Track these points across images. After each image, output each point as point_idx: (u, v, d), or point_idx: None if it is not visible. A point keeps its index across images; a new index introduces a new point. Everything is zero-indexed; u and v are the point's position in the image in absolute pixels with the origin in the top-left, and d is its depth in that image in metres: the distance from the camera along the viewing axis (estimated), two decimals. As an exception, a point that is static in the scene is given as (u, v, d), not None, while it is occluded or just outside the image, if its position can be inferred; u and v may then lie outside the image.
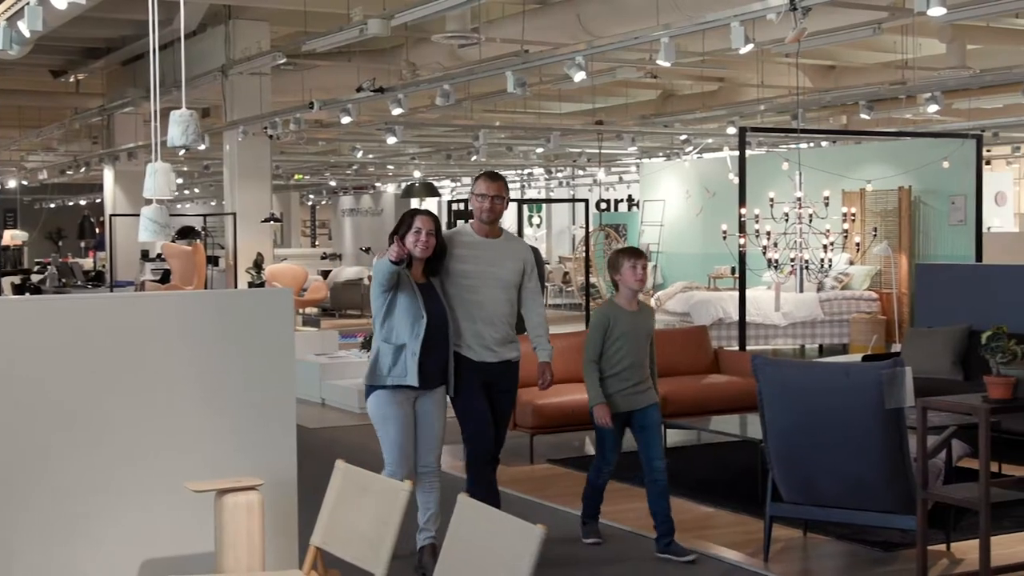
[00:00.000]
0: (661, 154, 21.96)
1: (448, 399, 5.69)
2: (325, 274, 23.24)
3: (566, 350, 9.25)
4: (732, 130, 15.69)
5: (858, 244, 11.45)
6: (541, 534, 3.18)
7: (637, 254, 6.02)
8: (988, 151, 18.31)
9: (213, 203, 31.65)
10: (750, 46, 8.06)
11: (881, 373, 5.24)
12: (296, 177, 28.37)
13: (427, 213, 5.58)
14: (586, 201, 13.92)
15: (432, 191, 13.72)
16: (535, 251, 6.41)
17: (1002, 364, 5.04)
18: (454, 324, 5.60)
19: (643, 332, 5.97)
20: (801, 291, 13.06)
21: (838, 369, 5.87)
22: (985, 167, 13.76)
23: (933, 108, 12.36)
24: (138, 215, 4.97)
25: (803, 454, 5.48)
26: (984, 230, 12.02)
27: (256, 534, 4.15)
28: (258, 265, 15.38)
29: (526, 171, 28.21)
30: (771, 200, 11.01)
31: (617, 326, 5.89)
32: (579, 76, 9.89)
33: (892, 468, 5.30)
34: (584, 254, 13.25)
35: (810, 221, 10.66)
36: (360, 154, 20.36)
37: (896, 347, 12.03)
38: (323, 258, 25.87)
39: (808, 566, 5.85)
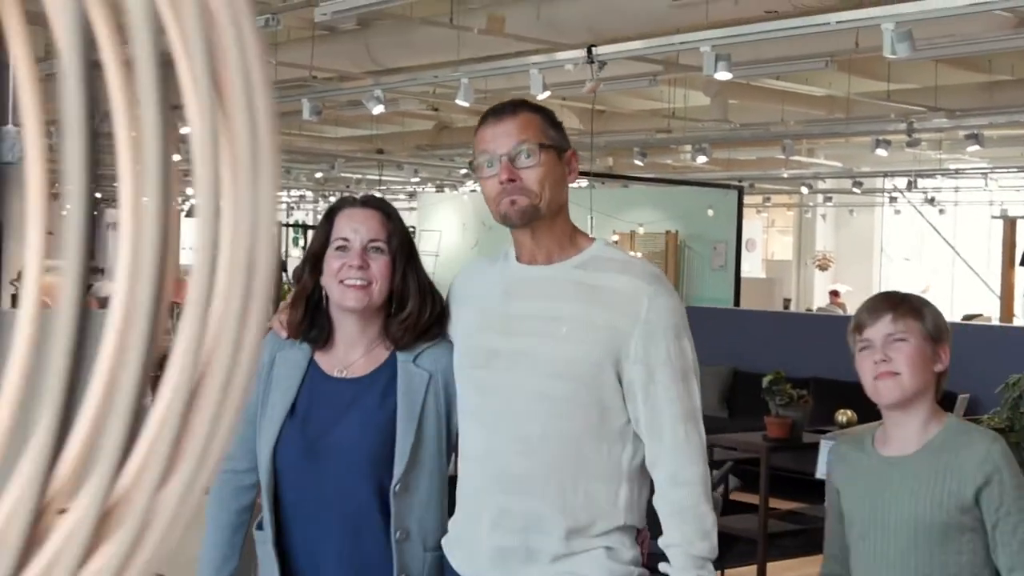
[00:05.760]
0: (431, 185, 22.33)
1: None
2: None
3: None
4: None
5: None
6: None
7: (899, 309, 2.42)
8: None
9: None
10: (547, 93, 8.44)
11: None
12: None
13: (369, 203, 2.49)
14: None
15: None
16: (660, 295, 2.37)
17: (781, 406, 5.53)
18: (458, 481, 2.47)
19: (929, 519, 2.36)
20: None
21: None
22: (741, 215, 14.69)
23: (702, 159, 13.13)
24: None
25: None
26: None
27: None
28: None
29: (295, 193, 28.08)
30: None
31: (851, 495, 2.53)
32: (377, 109, 10.07)
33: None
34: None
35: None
36: None
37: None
38: None
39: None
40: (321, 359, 2.48)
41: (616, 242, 13.48)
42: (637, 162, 14.16)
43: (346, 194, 26.27)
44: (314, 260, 2.44)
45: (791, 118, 13.84)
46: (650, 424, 2.29)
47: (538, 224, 2.35)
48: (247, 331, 0.51)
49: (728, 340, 9.64)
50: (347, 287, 2.38)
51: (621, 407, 2.31)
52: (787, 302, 20.50)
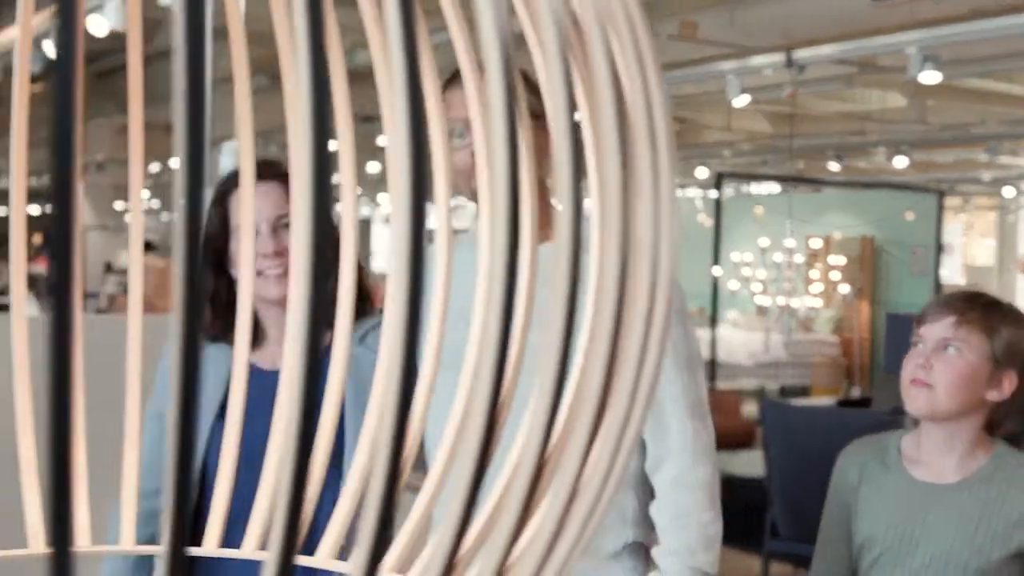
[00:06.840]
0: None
1: None
2: None
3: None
4: (703, 172, 16.05)
5: (844, 295, 11.95)
6: None
7: (968, 315, 2.07)
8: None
9: None
10: (747, 98, 8.39)
11: (880, 419, 5.56)
12: None
13: (263, 175, 2.04)
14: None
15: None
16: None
17: (996, 415, 5.37)
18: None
19: (965, 562, 2.00)
20: (789, 336, 13.43)
21: (838, 414, 6.21)
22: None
23: (904, 163, 12.80)
24: (105, 227, 5.03)
25: (803, 492, 5.77)
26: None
27: None
28: None
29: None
30: (763, 249, 11.43)
31: (873, 518, 2.14)
32: (572, 117, 10.18)
33: (888, 509, 5.62)
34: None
35: (798, 268, 11.12)
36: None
37: (856, 391, 12.43)
38: None
39: (800, 600, 6.10)
40: (253, 354, 2.08)
41: (815, 253, 13.26)
42: (832, 166, 13.87)
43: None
44: (214, 255, 2.06)
45: (992, 118, 13.33)
46: (653, 422, 1.99)
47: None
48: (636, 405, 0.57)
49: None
50: (267, 278, 2.04)
51: None
52: (989, 309, 19.75)
